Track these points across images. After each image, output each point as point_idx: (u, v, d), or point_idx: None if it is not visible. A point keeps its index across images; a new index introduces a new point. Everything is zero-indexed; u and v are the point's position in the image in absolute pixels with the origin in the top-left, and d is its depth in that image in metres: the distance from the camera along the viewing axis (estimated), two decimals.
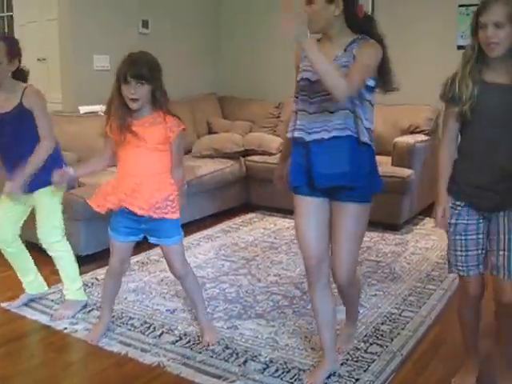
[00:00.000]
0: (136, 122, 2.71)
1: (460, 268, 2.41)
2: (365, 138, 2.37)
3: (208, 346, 2.93)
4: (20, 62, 3.08)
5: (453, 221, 2.37)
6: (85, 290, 3.46)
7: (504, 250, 2.29)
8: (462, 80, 2.23)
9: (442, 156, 2.41)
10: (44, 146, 3.07)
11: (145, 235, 2.89)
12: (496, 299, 2.37)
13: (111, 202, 2.79)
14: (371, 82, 2.37)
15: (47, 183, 3.03)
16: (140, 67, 2.64)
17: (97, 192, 2.89)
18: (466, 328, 2.54)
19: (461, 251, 2.38)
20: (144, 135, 2.70)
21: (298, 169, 2.47)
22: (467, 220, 2.35)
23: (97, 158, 2.99)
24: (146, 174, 2.75)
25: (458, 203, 2.36)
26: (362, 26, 2.44)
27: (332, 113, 2.36)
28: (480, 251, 2.38)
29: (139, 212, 2.72)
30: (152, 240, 2.88)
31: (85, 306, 3.37)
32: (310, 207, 2.50)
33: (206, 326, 3.03)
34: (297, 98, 2.48)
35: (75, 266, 3.38)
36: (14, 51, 3.00)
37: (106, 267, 3.88)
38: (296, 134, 2.43)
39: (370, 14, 2.71)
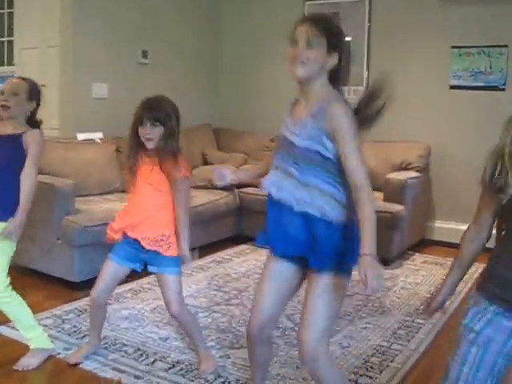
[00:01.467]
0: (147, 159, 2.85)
1: None
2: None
3: (203, 373, 2.96)
4: (38, 106, 3.05)
5: (477, 327, 1.84)
6: (78, 315, 3.46)
7: None
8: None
9: (462, 239, 1.99)
10: (31, 174, 2.92)
11: (143, 264, 2.95)
12: None
13: (117, 229, 2.92)
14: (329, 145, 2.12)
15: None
16: (155, 111, 2.78)
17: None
18: None
19: (470, 368, 1.83)
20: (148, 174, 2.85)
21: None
22: (494, 334, 1.81)
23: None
24: (147, 208, 2.86)
25: (491, 308, 1.83)
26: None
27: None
28: (492, 377, 1.83)
29: (141, 241, 2.85)
30: (150, 268, 2.93)
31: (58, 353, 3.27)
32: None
33: (203, 354, 3.05)
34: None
35: (27, 312, 3.03)
36: (34, 92, 3.02)
37: None
38: None
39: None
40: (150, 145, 2.80)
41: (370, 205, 2.07)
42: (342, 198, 2.14)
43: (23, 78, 3.09)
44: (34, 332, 3.07)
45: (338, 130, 2.09)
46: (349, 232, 2.15)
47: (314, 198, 2.13)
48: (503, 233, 1.86)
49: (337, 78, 2.25)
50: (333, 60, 2.21)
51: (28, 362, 3.02)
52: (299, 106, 2.28)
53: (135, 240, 2.86)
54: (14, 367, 2.98)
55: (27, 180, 2.91)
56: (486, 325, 1.81)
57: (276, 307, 2.37)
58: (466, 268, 1.98)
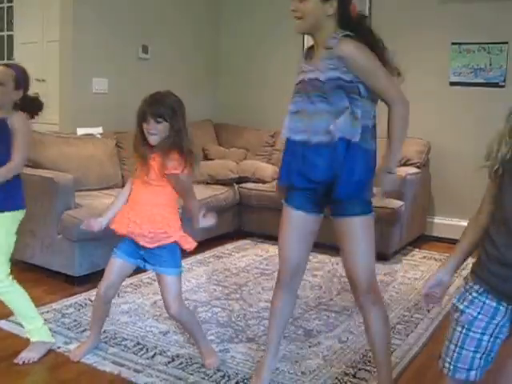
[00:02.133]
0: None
1: (447, 365, 1.96)
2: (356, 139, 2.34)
3: (209, 368, 2.97)
4: (25, 91, 2.98)
5: (461, 306, 1.91)
6: (78, 309, 3.48)
7: None
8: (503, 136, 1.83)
9: (466, 226, 2.01)
10: (16, 161, 2.87)
11: (143, 262, 2.94)
12: None
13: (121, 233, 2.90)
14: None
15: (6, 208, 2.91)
16: (158, 107, 2.75)
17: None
18: None
19: (455, 345, 1.93)
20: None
21: None
22: (478, 313, 1.87)
23: (119, 199, 2.98)
24: (148, 204, 2.82)
25: (475, 287, 1.89)
26: (355, 26, 2.36)
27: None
28: (479, 355, 1.90)
29: (139, 240, 2.83)
30: (148, 266, 2.92)
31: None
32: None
33: (205, 350, 3.05)
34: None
35: (28, 303, 3.04)
36: (21, 80, 2.93)
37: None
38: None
39: (363, 13, 2.60)
40: (153, 140, 2.75)
41: (400, 122, 2.36)
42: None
43: (9, 65, 3.00)
44: (34, 324, 3.07)
45: (355, 68, 2.29)
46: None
47: (347, 121, 2.31)
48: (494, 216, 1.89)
49: (346, 22, 2.35)
50: (331, 6, 2.30)
51: (28, 356, 3.02)
52: (314, 52, 2.44)
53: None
54: (15, 361, 2.99)
55: (15, 157, 2.87)
56: (469, 304, 1.88)
57: (303, 254, 2.64)
58: (465, 255, 1.97)
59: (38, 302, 3.46)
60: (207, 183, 5.41)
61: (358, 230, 2.43)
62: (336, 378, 2.93)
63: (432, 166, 5.57)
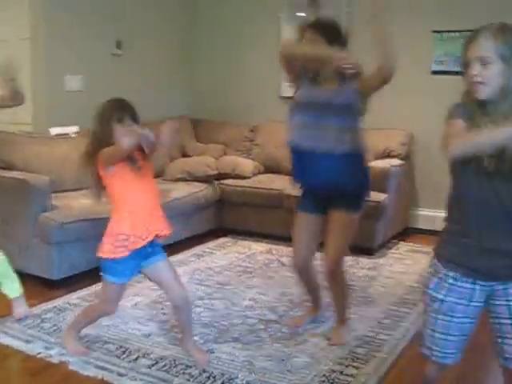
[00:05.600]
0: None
1: (436, 354, 2.07)
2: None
3: (201, 366, 2.95)
4: None
5: (440, 296, 2.00)
6: (58, 314, 3.43)
7: None
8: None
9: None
10: None
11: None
12: None
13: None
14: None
15: None
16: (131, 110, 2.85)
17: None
18: None
19: (441, 333, 2.03)
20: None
21: None
22: (458, 299, 1.98)
23: None
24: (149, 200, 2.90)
25: (450, 274, 1.98)
26: None
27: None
28: (465, 338, 2.05)
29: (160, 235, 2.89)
30: (151, 260, 2.90)
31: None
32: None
33: (195, 347, 3.07)
34: None
35: (7, 263, 3.49)
36: None
37: (79, 292, 3.88)
38: None
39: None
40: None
41: None
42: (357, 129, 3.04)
43: None
44: (16, 282, 3.49)
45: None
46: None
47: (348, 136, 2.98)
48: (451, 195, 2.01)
49: None
50: None
51: (22, 311, 3.47)
52: (320, 84, 3.06)
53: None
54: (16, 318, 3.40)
55: None
56: (448, 292, 1.97)
57: (310, 247, 3.26)
58: None
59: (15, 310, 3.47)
60: (186, 180, 5.32)
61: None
62: (323, 375, 2.88)
63: (416, 158, 5.51)
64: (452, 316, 1.98)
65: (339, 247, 3.14)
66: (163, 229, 2.87)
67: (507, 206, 1.86)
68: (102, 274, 2.88)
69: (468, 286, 1.95)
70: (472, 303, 1.96)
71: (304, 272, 3.32)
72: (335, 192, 3.06)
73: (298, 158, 3.11)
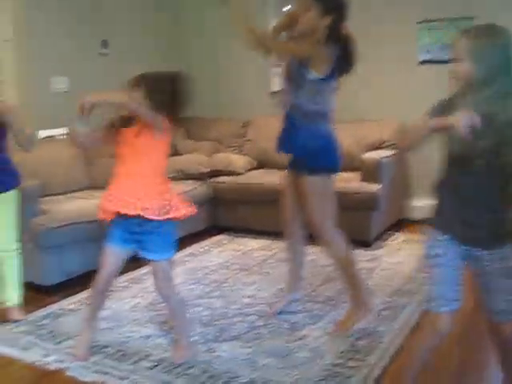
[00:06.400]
0: None
1: (433, 304, 2.27)
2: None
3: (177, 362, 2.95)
4: None
5: (434, 252, 2.26)
6: (54, 320, 3.40)
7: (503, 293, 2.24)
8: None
9: None
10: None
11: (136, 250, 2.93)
12: (499, 339, 2.37)
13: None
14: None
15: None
16: None
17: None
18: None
19: (437, 284, 2.27)
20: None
21: None
22: (449, 252, 2.24)
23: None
24: (140, 176, 2.85)
25: (445, 236, 2.24)
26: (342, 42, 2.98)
27: None
28: (457, 287, 2.26)
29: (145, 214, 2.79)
30: (143, 254, 2.91)
31: None
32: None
33: (179, 343, 3.05)
34: None
35: (20, 273, 3.55)
36: None
37: (72, 297, 3.84)
38: None
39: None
40: None
41: None
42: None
43: None
44: (19, 290, 3.52)
45: None
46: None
47: None
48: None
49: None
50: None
51: (21, 315, 3.50)
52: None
53: (131, 217, 2.79)
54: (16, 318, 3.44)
55: None
56: (442, 248, 2.23)
57: (295, 208, 3.38)
58: None
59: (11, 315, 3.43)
60: (177, 179, 5.27)
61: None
62: (326, 369, 2.86)
63: None
64: (446, 266, 2.23)
65: (311, 211, 3.20)
66: (151, 210, 2.77)
67: (488, 199, 2.17)
68: None
69: (454, 246, 2.22)
70: (457, 259, 2.23)
71: (294, 234, 3.44)
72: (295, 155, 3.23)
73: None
